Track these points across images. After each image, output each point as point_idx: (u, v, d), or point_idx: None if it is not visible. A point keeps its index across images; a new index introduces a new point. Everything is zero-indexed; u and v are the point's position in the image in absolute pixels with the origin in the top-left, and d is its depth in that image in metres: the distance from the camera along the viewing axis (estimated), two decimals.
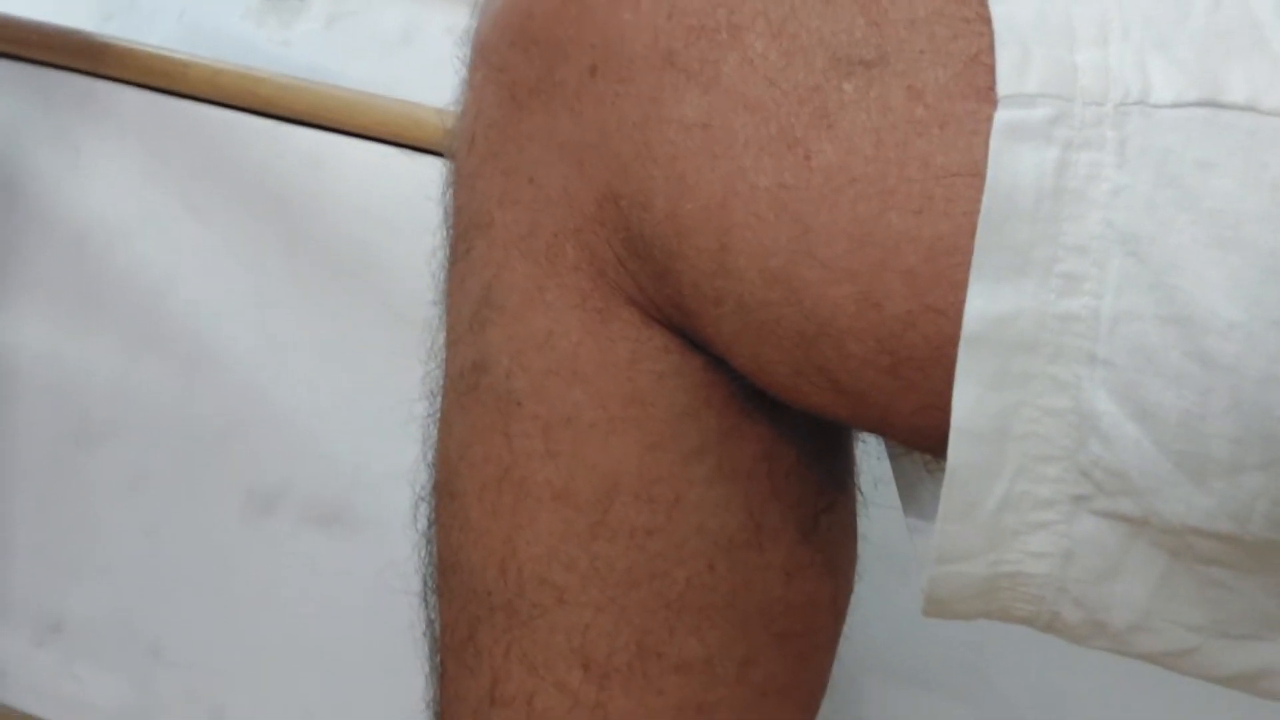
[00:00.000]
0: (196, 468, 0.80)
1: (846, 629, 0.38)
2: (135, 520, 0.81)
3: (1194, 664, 0.29)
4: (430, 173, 0.79)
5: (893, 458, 0.34)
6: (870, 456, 0.38)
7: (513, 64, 0.33)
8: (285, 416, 0.79)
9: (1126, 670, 0.63)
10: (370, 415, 0.78)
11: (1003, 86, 0.26)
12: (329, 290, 0.78)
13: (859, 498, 0.37)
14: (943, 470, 0.32)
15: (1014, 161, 0.26)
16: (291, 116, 0.76)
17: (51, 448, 0.83)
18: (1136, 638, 0.28)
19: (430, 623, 0.37)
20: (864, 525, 0.38)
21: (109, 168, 0.79)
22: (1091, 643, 0.29)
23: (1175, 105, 0.26)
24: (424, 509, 0.37)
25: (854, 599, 0.38)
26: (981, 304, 0.26)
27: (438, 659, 0.36)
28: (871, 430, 0.32)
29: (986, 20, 0.27)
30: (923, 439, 0.30)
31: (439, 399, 0.36)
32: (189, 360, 0.80)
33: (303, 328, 0.79)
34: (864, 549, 0.39)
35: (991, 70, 0.27)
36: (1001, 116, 0.26)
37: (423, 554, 0.37)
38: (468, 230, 0.34)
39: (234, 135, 0.77)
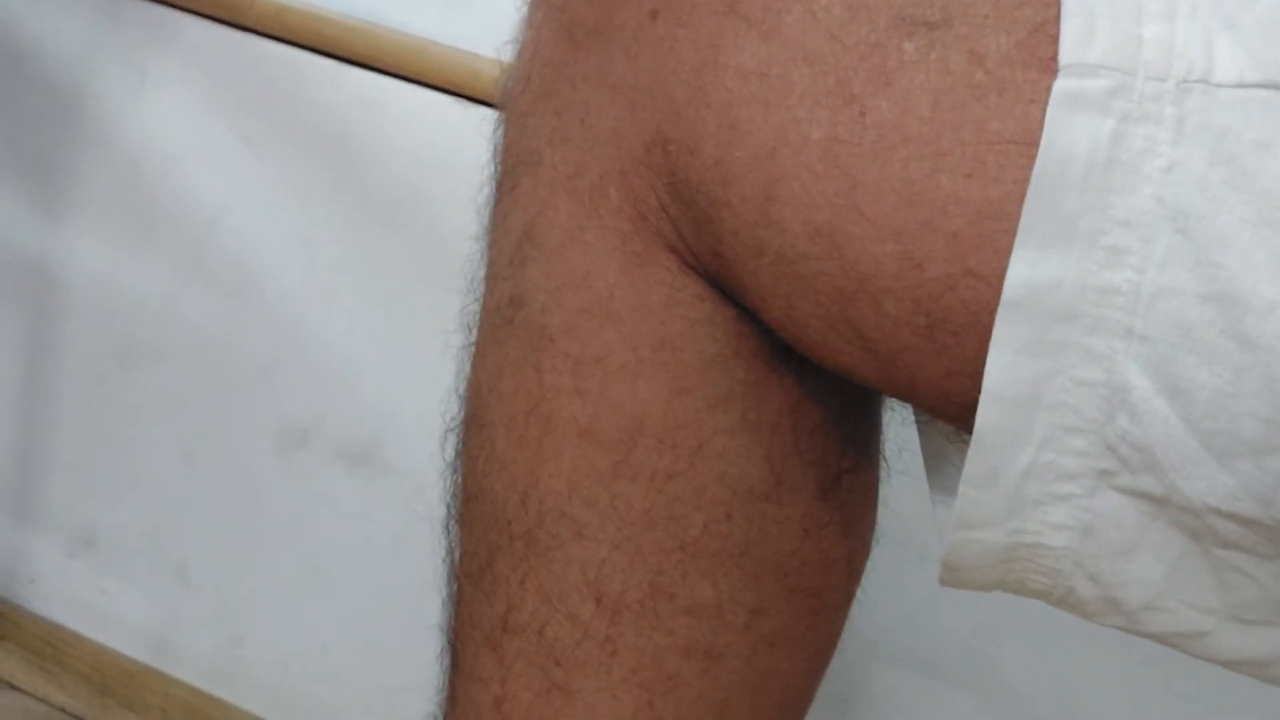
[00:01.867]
0: (235, 397, 0.81)
1: (857, 614, 0.38)
2: (172, 443, 0.83)
3: (1205, 647, 0.29)
4: (483, 123, 0.79)
5: (921, 429, 0.34)
6: (896, 424, 0.38)
7: (573, 4, 0.33)
8: (324, 354, 0.81)
9: (1133, 663, 0.63)
10: (408, 360, 0.79)
11: (1064, 55, 0.26)
12: (376, 233, 0.79)
13: (883, 464, 0.37)
14: (965, 442, 0.32)
15: (1069, 130, 0.26)
16: (352, 58, 0.76)
17: (96, 366, 0.84)
18: (1149, 617, 0.29)
19: (450, 550, 0.38)
20: (884, 493, 0.38)
21: (171, 95, 0.80)
22: (1104, 620, 0.29)
23: (1237, 85, 0.25)
24: (453, 439, 0.37)
25: (865, 585, 0.38)
26: (1024, 270, 0.26)
27: (455, 585, 0.37)
28: (896, 394, 0.32)
29: None
30: (949, 406, 0.30)
31: (475, 332, 0.37)
32: (234, 291, 0.81)
33: (347, 268, 0.80)
34: (880, 529, 0.39)
35: (1055, 40, 0.27)
36: (1061, 85, 0.26)
37: (448, 482, 0.38)
38: (515, 167, 0.35)
39: (294, 72, 0.78)
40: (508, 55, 0.37)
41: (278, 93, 0.78)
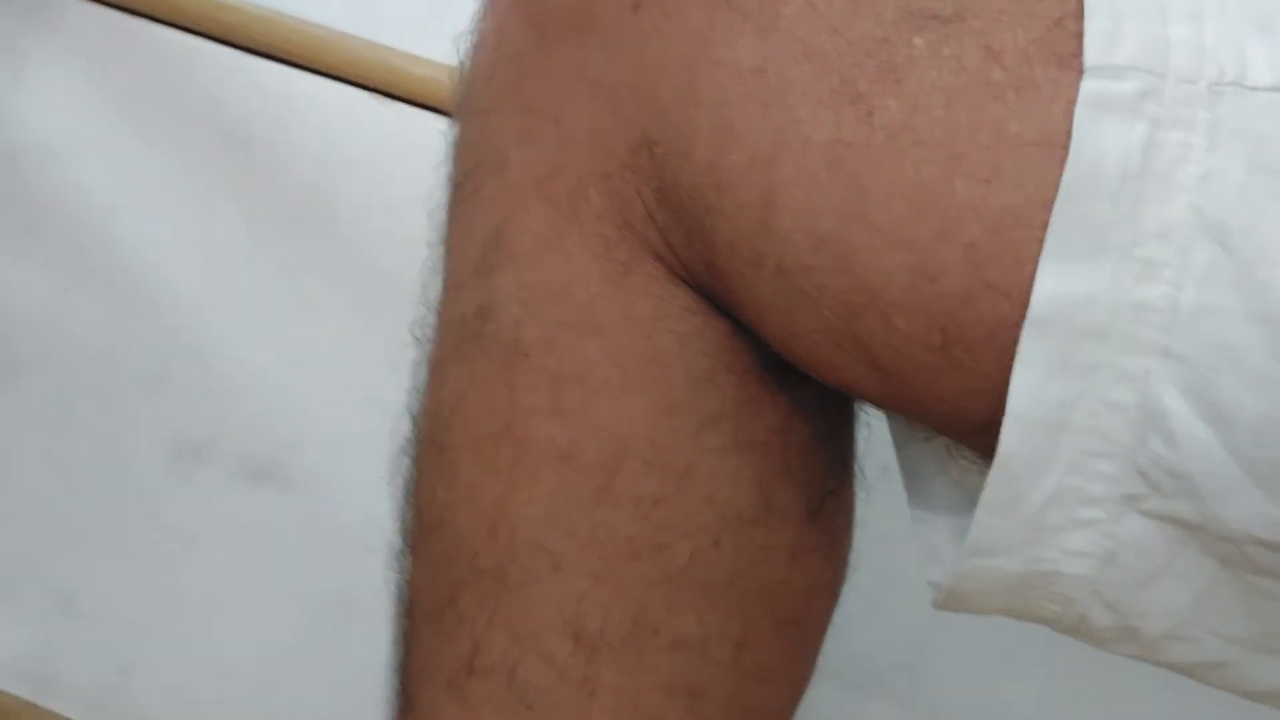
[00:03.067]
0: (123, 411, 0.76)
1: None
2: (52, 462, 0.77)
3: (1226, 677, 0.28)
4: (398, 121, 0.76)
5: (899, 444, 0.33)
6: (872, 440, 0.37)
7: None
8: (222, 365, 0.76)
9: (1065, 676, 0.63)
10: (312, 370, 0.76)
11: (1090, 56, 0.25)
12: (279, 235, 0.75)
13: (861, 482, 0.36)
14: (967, 458, 0.31)
15: (1099, 135, 0.25)
16: (257, 49, 0.72)
17: None
18: (1170, 646, 0.28)
19: (402, 584, 0.35)
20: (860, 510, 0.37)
21: (53, 84, 0.75)
22: (1117, 648, 0.28)
23: (1274, 89, 0.25)
24: (405, 463, 0.34)
25: None
26: (1052, 285, 0.25)
27: (407, 623, 0.34)
28: (902, 411, 0.30)
29: None
30: (959, 424, 0.29)
31: (431, 346, 0.34)
32: (123, 297, 0.76)
33: (248, 273, 0.75)
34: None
35: (1076, 36, 0.26)
36: (1088, 87, 0.25)
37: (400, 511, 0.35)
38: (477, 169, 0.32)
39: (192, 62, 0.73)
40: (464, 47, 0.34)
41: (174, 84, 0.74)
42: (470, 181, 0.32)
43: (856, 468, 0.36)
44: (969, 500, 0.28)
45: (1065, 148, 0.25)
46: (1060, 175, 0.25)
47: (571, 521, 0.31)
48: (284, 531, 0.75)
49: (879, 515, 0.37)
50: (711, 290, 0.30)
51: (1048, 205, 0.25)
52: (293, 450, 0.75)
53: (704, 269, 0.30)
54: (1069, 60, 0.26)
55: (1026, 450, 0.26)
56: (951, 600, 0.30)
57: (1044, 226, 0.25)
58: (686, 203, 0.29)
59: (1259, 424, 0.24)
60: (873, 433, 0.36)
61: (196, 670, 0.76)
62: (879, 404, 0.30)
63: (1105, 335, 0.25)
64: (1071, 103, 0.25)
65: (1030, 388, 0.26)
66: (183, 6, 0.72)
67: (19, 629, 0.78)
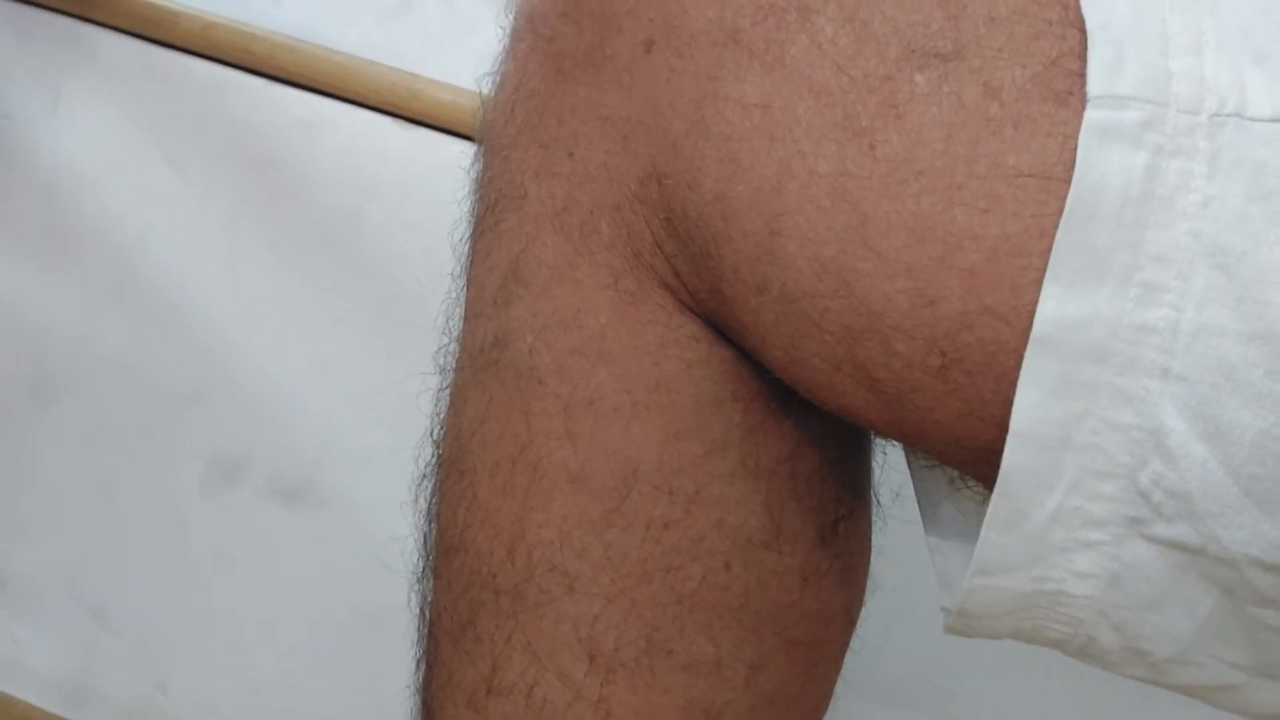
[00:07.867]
0: (157, 430, 0.77)
1: None
2: (89, 479, 0.78)
3: (1233, 700, 0.28)
4: (421, 145, 0.77)
5: (915, 473, 0.33)
6: (889, 469, 0.37)
7: (562, 34, 0.32)
8: (253, 385, 0.77)
9: (1084, 692, 0.63)
10: (341, 389, 0.76)
11: (1094, 86, 0.26)
12: (308, 257, 0.76)
13: (877, 509, 0.36)
14: (969, 486, 0.31)
15: (1102, 163, 0.25)
16: (283, 77, 0.74)
17: (4, 398, 0.79)
18: (1177, 670, 0.28)
19: (424, 605, 0.35)
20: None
21: (89, 114, 0.76)
22: (1125, 670, 0.29)
23: (1273, 120, 0.25)
24: (427, 486, 0.35)
25: None
26: (1054, 306, 0.25)
27: (430, 643, 0.35)
28: (902, 438, 0.31)
29: (1070, 24, 0.27)
30: (959, 450, 0.29)
31: (452, 374, 0.35)
32: (157, 319, 0.77)
33: (277, 294, 0.76)
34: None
35: (1072, 75, 0.26)
36: (1092, 116, 0.25)
37: (423, 532, 0.35)
38: (498, 202, 0.33)
39: (222, 91, 0.75)
40: (487, 86, 0.35)
41: (204, 112, 0.75)
42: (491, 215, 0.33)
43: (872, 494, 0.36)
44: (978, 529, 0.28)
45: (1061, 179, 0.26)
46: (1055, 205, 0.26)
47: (584, 543, 0.31)
48: (314, 549, 0.76)
49: (906, 529, 0.37)
50: (717, 318, 0.31)
51: (1044, 233, 0.26)
52: (323, 469, 0.76)
53: (710, 296, 0.30)
54: (1065, 97, 0.26)
55: (1029, 468, 0.26)
56: (961, 622, 0.30)
57: (1041, 254, 0.26)
58: (694, 232, 0.30)
59: (1257, 441, 0.25)
60: (888, 459, 0.37)
61: (230, 684, 0.77)
62: (880, 430, 0.30)
63: (1106, 356, 0.26)
64: (1067, 137, 0.26)
65: (1032, 406, 0.26)
66: (212, 37, 0.73)
67: (55, 645, 0.79)
